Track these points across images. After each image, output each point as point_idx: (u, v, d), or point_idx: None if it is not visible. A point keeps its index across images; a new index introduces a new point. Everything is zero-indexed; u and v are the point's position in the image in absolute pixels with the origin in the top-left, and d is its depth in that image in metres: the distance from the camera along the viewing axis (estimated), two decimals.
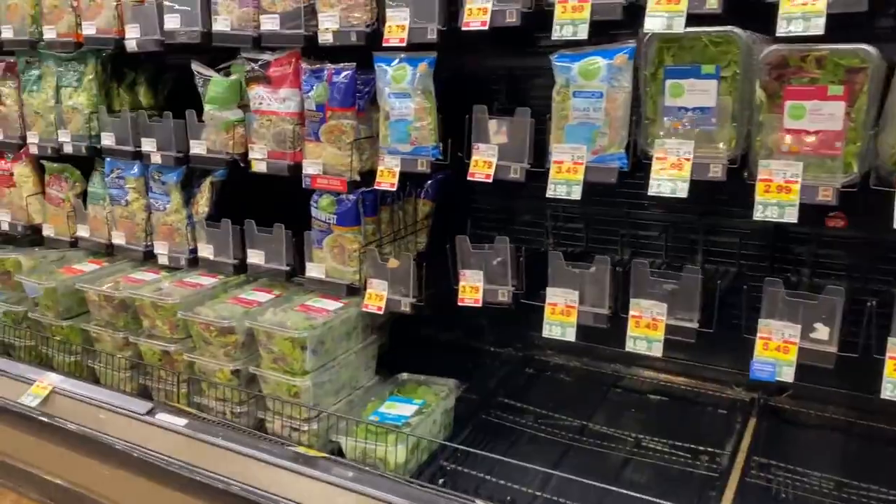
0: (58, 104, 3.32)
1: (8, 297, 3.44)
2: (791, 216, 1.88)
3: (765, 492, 2.28)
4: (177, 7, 2.79)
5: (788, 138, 1.88)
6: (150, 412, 2.70)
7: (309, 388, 2.52)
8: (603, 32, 2.13)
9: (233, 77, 2.87)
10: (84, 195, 3.44)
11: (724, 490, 2.23)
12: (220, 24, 2.72)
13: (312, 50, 2.63)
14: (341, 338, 2.68)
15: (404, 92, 2.44)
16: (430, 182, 2.98)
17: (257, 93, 2.75)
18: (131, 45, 2.98)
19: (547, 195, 2.19)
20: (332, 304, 2.73)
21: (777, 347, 2.00)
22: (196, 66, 2.93)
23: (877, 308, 1.97)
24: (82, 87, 3.25)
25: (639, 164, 2.12)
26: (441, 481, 2.36)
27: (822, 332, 1.95)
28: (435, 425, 2.58)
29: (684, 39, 1.97)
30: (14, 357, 3.31)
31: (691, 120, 1.99)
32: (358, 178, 2.61)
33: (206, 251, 3.05)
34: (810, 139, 1.86)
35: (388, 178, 2.52)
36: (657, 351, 2.17)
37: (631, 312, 2.20)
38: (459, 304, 2.51)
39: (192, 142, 2.95)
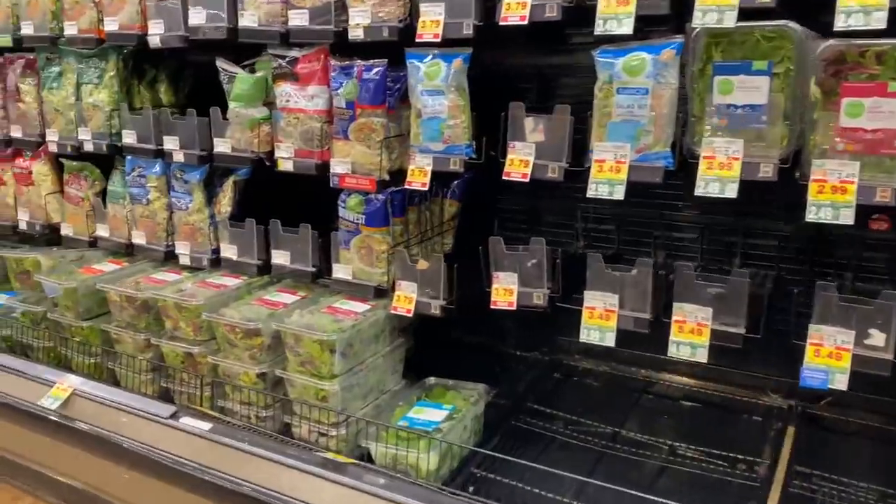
0: (78, 101, 3.28)
1: (26, 297, 3.38)
2: (847, 218, 1.81)
3: (809, 502, 2.23)
4: (202, 2, 2.74)
5: (844, 137, 1.81)
6: (174, 416, 2.65)
7: (337, 391, 2.46)
8: (637, 29, 2.04)
9: (259, 74, 2.82)
10: (103, 194, 3.39)
11: (766, 500, 2.16)
12: (247, 20, 2.66)
13: (337, 46, 2.58)
14: (369, 340, 2.62)
15: (437, 89, 2.38)
16: (456, 182, 2.94)
17: (284, 90, 2.69)
18: (154, 41, 2.93)
19: (587, 195, 2.13)
20: (359, 307, 2.67)
21: (829, 354, 1.93)
22: (221, 63, 2.88)
23: None
24: (103, 84, 3.20)
25: (684, 163, 2.06)
26: (471, 489, 2.29)
27: (877, 338, 1.88)
28: (465, 431, 2.51)
29: (735, 34, 1.91)
30: (32, 358, 3.25)
31: (741, 118, 1.93)
32: (387, 177, 2.56)
33: (229, 251, 3.00)
34: (868, 137, 1.79)
35: (419, 178, 2.46)
36: (702, 357, 2.10)
37: (674, 317, 2.13)
38: (492, 307, 2.44)
39: (216, 140, 2.90)
